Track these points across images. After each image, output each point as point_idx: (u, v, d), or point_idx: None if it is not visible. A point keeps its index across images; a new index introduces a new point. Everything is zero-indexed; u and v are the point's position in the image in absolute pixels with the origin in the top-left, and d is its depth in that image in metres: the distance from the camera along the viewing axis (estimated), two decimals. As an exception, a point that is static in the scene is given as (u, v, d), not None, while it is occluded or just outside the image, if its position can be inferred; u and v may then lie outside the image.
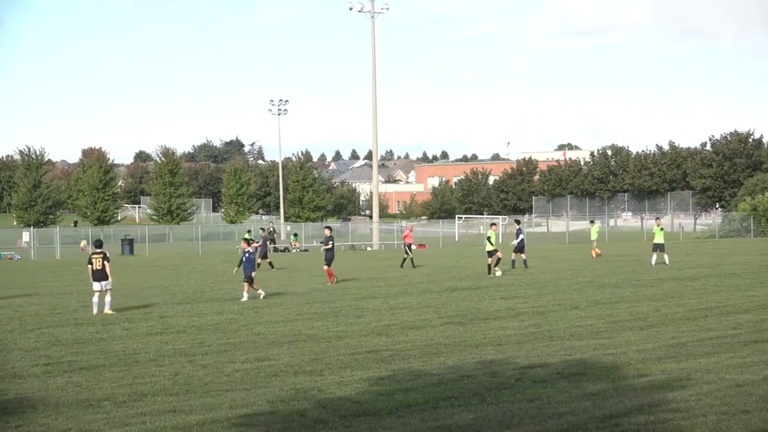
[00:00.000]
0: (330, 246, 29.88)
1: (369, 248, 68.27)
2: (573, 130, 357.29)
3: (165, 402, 11.54)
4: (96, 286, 22.25)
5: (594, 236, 45.30)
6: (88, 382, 13.13)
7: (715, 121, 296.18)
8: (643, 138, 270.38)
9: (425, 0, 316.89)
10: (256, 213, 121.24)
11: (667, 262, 35.22)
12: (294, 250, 64.26)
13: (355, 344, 16.22)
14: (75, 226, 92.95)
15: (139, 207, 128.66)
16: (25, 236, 75.73)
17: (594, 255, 42.84)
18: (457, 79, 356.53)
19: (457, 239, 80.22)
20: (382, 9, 69.14)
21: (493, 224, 36.74)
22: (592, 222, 49.64)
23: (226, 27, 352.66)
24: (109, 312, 21.93)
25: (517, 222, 40.17)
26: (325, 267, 29.82)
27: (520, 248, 36.60)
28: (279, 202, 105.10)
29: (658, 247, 35.82)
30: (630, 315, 19.57)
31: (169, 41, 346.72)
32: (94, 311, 21.88)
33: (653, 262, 35.37)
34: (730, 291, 24.13)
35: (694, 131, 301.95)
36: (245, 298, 24.77)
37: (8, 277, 40.34)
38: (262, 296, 25.03)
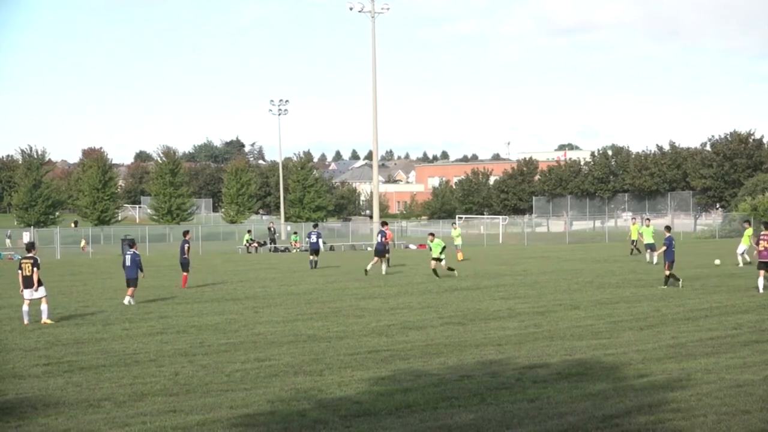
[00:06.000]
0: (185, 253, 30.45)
1: (369, 248, 68.15)
2: (568, 129, 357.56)
3: (165, 402, 11.55)
4: (26, 293, 20.61)
5: (458, 241, 44.90)
6: (88, 382, 13.14)
7: (706, 120, 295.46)
8: (639, 137, 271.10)
9: (420, 0, 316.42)
10: (257, 213, 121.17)
11: (654, 261, 35.55)
12: (294, 250, 64.28)
13: (356, 344, 16.23)
14: (75, 226, 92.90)
15: (139, 207, 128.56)
16: (26, 236, 75.74)
17: (460, 258, 42.78)
18: (449, 79, 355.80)
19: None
20: (382, 9, 69.06)
21: (453, 224, 36.40)
22: (454, 225, 48.31)
23: (226, 27, 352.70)
24: (47, 321, 20.39)
25: (384, 224, 37.71)
26: (184, 273, 30.45)
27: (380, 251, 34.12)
28: (279, 202, 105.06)
29: (650, 247, 36.79)
30: (630, 315, 19.57)
31: (170, 41, 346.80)
32: (25, 321, 20.35)
33: (648, 259, 36.46)
34: (730, 291, 24.12)
35: (691, 131, 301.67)
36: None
37: (8, 277, 40.32)
38: (132, 302, 24.77)
